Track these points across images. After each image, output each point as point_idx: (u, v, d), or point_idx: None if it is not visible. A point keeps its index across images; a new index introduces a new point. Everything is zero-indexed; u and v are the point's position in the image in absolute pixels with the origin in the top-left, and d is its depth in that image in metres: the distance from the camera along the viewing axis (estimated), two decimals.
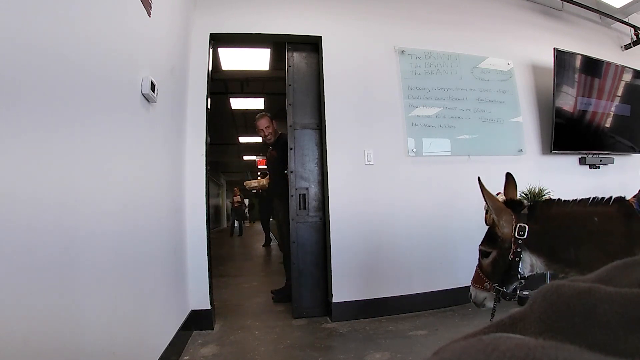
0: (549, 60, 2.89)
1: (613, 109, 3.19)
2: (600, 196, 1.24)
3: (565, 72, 2.94)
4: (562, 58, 2.90)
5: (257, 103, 5.77)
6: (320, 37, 2.61)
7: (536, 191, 2.14)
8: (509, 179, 1.32)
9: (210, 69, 2.49)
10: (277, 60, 3.97)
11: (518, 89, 2.95)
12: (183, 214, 2.23)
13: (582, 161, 3.09)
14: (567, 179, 2.90)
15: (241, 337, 2.15)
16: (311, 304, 2.51)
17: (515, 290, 1.27)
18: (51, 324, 0.84)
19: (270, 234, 7.07)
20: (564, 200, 1.27)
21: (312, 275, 2.54)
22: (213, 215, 9.08)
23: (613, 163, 3.19)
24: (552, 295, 0.20)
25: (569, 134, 2.97)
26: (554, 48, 2.86)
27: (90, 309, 1.01)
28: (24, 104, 0.76)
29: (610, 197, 1.24)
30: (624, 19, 3.35)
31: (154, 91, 1.51)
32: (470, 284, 1.30)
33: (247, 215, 13.82)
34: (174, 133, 2.03)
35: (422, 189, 2.61)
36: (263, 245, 6.99)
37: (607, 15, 3.30)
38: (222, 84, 5.19)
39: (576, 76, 3.00)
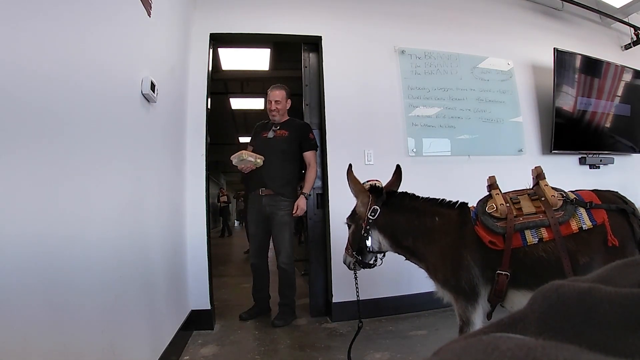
0: (549, 60, 2.89)
1: (613, 109, 3.19)
2: (449, 199, 1.39)
3: (565, 72, 2.94)
4: (562, 58, 2.90)
5: (257, 103, 5.77)
6: (320, 37, 2.61)
7: None
8: (397, 171, 1.49)
9: (210, 69, 2.49)
10: (277, 60, 3.98)
11: (518, 89, 2.95)
12: (183, 214, 2.23)
13: (582, 161, 3.09)
14: (567, 179, 2.88)
15: (241, 337, 2.15)
16: (311, 304, 2.51)
17: (375, 260, 1.47)
18: (52, 324, 0.84)
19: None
20: (418, 196, 1.44)
21: (312, 275, 2.54)
22: (213, 215, 8.97)
23: (613, 163, 3.19)
24: (552, 295, 0.20)
25: (569, 134, 2.97)
26: (554, 48, 2.86)
27: (90, 309, 1.01)
28: (21, 106, 0.76)
29: (457, 202, 1.38)
30: (624, 19, 3.35)
31: (154, 91, 1.51)
32: None
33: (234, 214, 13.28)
34: (174, 133, 2.03)
35: (422, 189, 2.55)
36: (245, 252, 5.86)
37: (607, 15, 3.30)
38: (222, 84, 5.19)
39: (576, 76, 3.00)
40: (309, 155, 2.40)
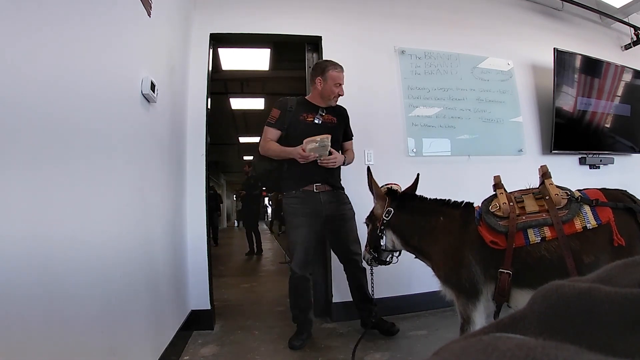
0: (549, 60, 2.89)
1: (613, 109, 3.19)
2: (454, 200, 1.43)
3: (565, 72, 2.94)
4: (562, 58, 2.90)
5: (257, 103, 5.78)
6: (320, 37, 2.60)
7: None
8: (416, 179, 1.63)
9: (210, 69, 2.49)
10: (277, 60, 3.98)
11: (518, 89, 2.94)
12: (183, 214, 2.23)
13: (582, 161, 3.09)
14: (567, 179, 2.87)
15: (241, 337, 2.14)
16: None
17: (390, 258, 1.58)
18: (52, 323, 0.84)
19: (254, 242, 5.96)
20: (426, 197, 1.51)
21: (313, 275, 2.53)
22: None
23: (613, 163, 3.19)
24: (552, 295, 0.20)
25: (569, 134, 2.97)
26: (554, 48, 2.86)
27: (90, 309, 1.01)
28: (20, 108, 0.76)
29: (462, 202, 1.42)
30: (624, 19, 3.35)
31: (154, 91, 1.51)
32: None
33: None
34: (174, 133, 2.03)
35: (422, 189, 2.58)
36: (246, 254, 5.96)
37: (607, 15, 3.30)
38: (222, 84, 5.19)
39: (576, 76, 3.00)
40: (350, 145, 2.22)
